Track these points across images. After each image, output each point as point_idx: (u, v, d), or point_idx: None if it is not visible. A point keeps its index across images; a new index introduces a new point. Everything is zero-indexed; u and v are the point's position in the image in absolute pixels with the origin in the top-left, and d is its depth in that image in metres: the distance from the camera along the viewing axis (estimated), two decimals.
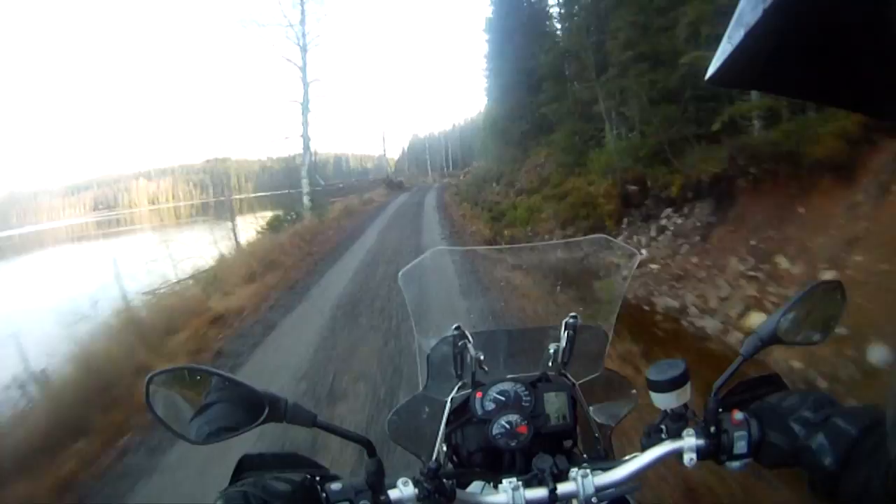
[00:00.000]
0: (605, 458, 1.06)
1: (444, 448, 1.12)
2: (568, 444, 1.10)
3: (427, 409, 1.23)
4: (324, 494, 0.69)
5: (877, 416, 0.62)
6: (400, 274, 1.42)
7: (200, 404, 0.70)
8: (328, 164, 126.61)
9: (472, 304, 5.09)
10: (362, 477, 0.72)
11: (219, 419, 0.69)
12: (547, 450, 0.90)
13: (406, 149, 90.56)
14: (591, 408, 1.16)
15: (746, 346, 0.77)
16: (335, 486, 0.70)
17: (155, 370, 0.70)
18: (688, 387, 0.76)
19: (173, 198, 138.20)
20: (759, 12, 0.27)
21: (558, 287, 1.71)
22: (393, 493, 0.72)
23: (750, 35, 0.28)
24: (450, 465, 1.11)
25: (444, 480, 0.74)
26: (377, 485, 0.71)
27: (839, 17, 0.26)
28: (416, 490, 0.73)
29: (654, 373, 0.77)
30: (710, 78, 0.33)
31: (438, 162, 68.06)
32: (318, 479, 0.71)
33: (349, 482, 0.71)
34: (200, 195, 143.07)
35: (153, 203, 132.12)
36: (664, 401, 0.77)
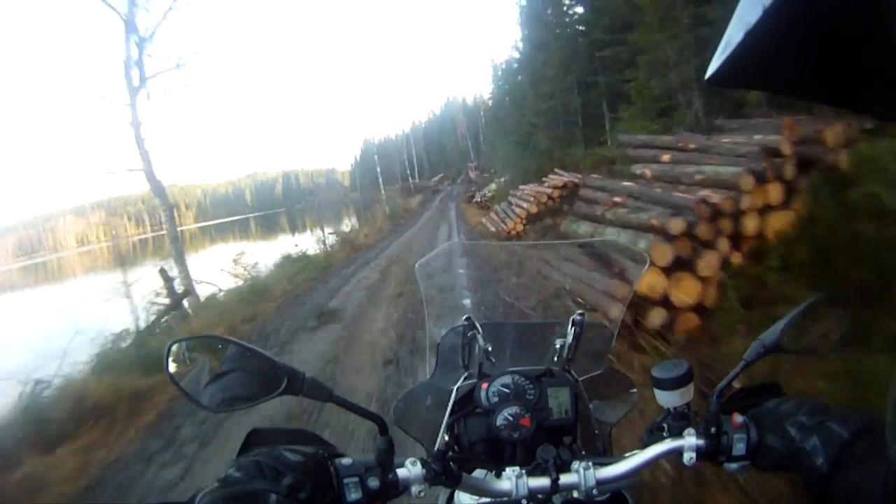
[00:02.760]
0: (604, 454, 1.08)
1: (447, 437, 1.09)
2: (568, 439, 1.08)
3: (432, 398, 1.25)
4: (333, 469, 0.71)
5: (869, 420, 0.65)
6: (416, 265, 1.51)
7: (220, 373, 0.71)
8: (276, 183, 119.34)
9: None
10: (372, 455, 0.73)
11: (235, 388, 0.71)
12: (548, 443, 0.93)
13: (358, 157, 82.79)
14: (592, 404, 1.17)
15: (749, 352, 0.78)
16: (346, 461, 0.72)
17: (175, 338, 0.72)
18: (691, 386, 0.78)
19: (105, 235, 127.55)
20: (759, 12, 0.27)
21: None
22: (401, 472, 0.73)
23: (750, 35, 0.28)
24: (451, 453, 1.01)
25: (451, 464, 0.75)
26: (387, 463, 0.73)
27: (839, 17, 0.25)
28: (424, 471, 0.74)
29: (658, 371, 0.79)
30: (710, 78, 0.33)
31: (397, 170, 55.51)
32: (327, 455, 0.72)
33: (359, 459, 0.73)
34: (137, 229, 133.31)
35: (82, 244, 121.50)
36: (668, 399, 0.78)
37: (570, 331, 1.22)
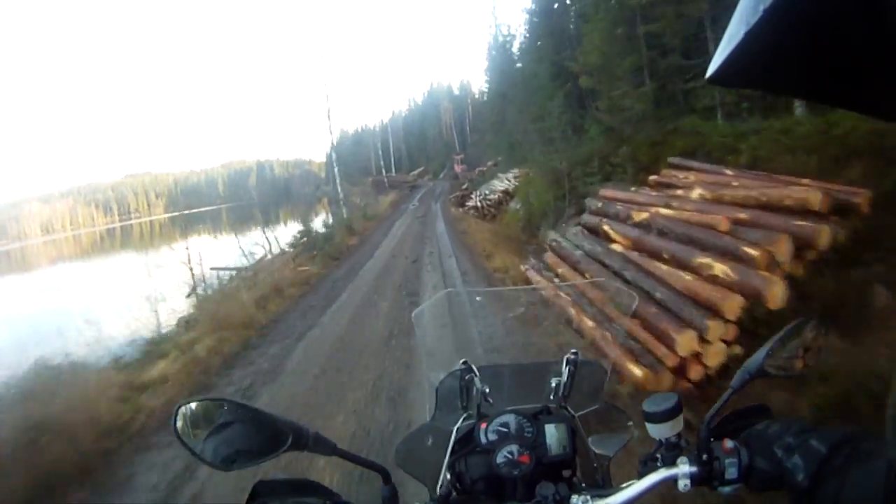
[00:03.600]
0: (603, 486, 1.03)
1: (449, 476, 1.07)
2: (567, 473, 1.07)
3: (433, 439, 1.25)
4: None
5: (847, 433, 0.66)
6: (413, 314, 1.52)
7: (228, 434, 0.71)
8: (251, 174, 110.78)
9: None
10: (377, 503, 0.73)
11: (245, 447, 0.71)
12: (548, 479, 0.92)
13: (333, 148, 73.90)
14: (590, 438, 1.16)
15: (736, 379, 0.79)
16: None
17: (182, 401, 0.71)
18: (680, 418, 0.79)
19: (71, 224, 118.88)
20: (759, 12, 0.26)
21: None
22: None
23: (750, 35, 0.27)
24: (454, 493, 1.05)
25: None
26: None
27: (839, 17, 0.25)
28: None
29: (649, 405, 0.79)
30: (710, 77, 0.32)
31: (372, 163, 46.85)
32: None
33: None
34: (104, 219, 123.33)
35: (47, 232, 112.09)
36: (659, 431, 0.79)
37: (565, 369, 1.22)
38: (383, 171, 43.28)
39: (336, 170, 20.78)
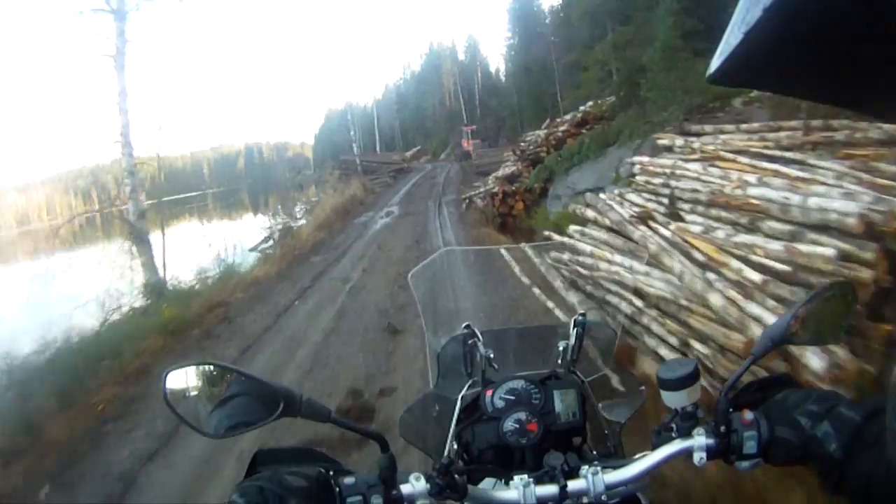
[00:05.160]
0: (614, 454, 1.04)
1: (455, 446, 1.07)
2: (577, 441, 1.06)
3: (438, 408, 1.20)
4: (337, 489, 0.68)
5: (881, 403, 0.58)
6: (410, 275, 1.46)
7: (217, 399, 0.69)
8: (238, 158, 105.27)
9: None
10: (375, 472, 0.71)
11: (236, 414, 0.68)
12: (557, 447, 0.88)
13: (319, 130, 67.54)
14: (600, 405, 1.13)
15: (757, 346, 0.74)
16: (348, 480, 0.69)
17: (171, 367, 0.68)
18: (698, 385, 0.74)
19: (48, 214, 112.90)
20: (759, 12, 0.26)
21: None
22: (405, 488, 0.70)
23: (750, 35, 0.27)
24: (461, 463, 1.03)
25: (456, 476, 0.72)
26: (390, 479, 0.70)
27: (839, 16, 0.25)
28: (428, 485, 0.71)
29: (664, 371, 0.75)
30: (710, 77, 0.32)
31: (361, 143, 37.59)
32: (332, 473, 0.70)
33: (362, 477, 0.70)
34: (84, 206, 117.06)
35: (23, 224, 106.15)
36: (674, 399, 0.74)
37: (573, 332, 1.17)
38: (355, 151, 32.63)
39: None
